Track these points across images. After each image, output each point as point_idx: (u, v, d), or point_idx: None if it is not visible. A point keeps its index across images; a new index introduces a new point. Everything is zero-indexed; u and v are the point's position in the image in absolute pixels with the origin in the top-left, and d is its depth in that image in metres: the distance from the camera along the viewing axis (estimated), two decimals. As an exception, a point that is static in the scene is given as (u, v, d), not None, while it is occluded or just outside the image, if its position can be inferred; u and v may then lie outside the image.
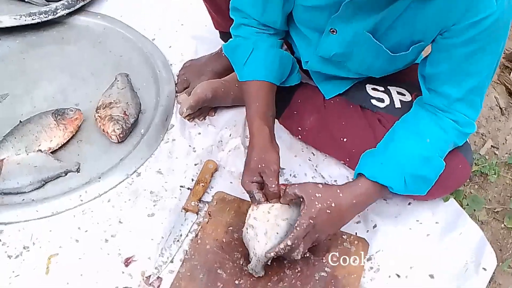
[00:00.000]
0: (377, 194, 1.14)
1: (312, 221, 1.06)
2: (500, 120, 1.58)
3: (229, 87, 1.45)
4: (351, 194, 1.10)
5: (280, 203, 1.12)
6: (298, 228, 1.06)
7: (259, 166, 1.15)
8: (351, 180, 1.33)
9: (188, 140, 1.43)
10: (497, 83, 1.67)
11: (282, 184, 1.16)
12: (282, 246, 1.06)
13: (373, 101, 1.30)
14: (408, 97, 1.29)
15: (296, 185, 1.10)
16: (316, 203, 1.06)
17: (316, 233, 1.08)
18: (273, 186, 1.13)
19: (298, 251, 1.07)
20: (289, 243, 1.05)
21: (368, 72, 1.26)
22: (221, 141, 1.43)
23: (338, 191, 1.09)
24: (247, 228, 1.12)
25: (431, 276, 1.17)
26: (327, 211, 1.07)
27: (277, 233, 1.09)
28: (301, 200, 1.08)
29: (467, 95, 1.09)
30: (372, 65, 1.20)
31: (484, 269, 1.17)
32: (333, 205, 1.07)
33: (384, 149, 1.15)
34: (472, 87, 1.09)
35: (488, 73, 1.08)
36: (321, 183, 1.10)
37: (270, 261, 1.10)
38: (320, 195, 1.07)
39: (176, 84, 1.56)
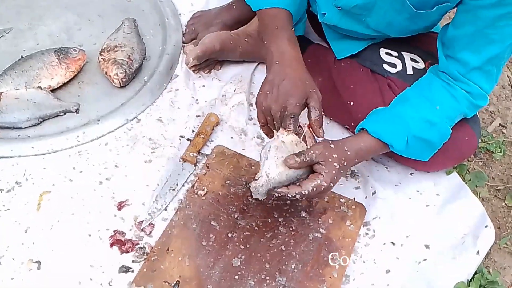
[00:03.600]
0: (379, 151, 1.12)
1: (332, 183, 1.04)
2: (510, 100, 1.54)
3: (238, 40, 1.41)
4: (355, 150, 1.08)
5: (295, 166, 1.03)
6: (316, 186, 1.02)
7: (308, 90, 1.08)
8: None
9: (191, 91, 1.40)
10: (510, 62, 1.64)
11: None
12: (296, 191, 1.02)
13: (385, 66, 1.27)
14: (421, 65, 1.26)
15: (312, 150, 1.04)
16: (335, 164, 1.04)
17: (327, 189, 1.05)
18: (317, 113, 1.08)
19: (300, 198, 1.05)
20: (305, 192, 1.01)
21: (387, 29, 1.21)
22: (225, 95, 1.40)
23: (346, 149, 1.07)
24: (270, 146, 1.04)
25: (427, 246, 1.15)
26: (341, 170, 1.05)
27: (303, 175, 1.04)
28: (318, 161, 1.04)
29: (486, 64, 1.06)
30: (392, 21, 1.16)
31: (481, 243, 1.15)
32: (344, 164, 1.06)
33: (390, 110, 1.12)
34: (492, 56, 1.05)
35: (511, 43, 1.04)
36: (330, 141, 1.06)
37: (276, 189, 1.04)
38: (336, 155, 1.04)
39: (183, 34, 1.52)
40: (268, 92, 1.09)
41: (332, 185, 1.04)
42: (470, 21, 1.03)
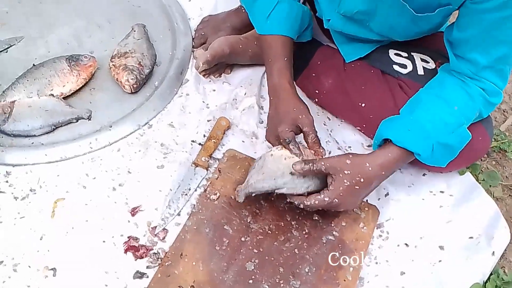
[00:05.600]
0: (404, 161, 1.11)
1: (337, 200, 1.05)
2: (523, 98, 1.53)
3: (247, 44, 1.41)
4: (380, 165, 1.06)
5: (300, 172, 1.07)
6: (319, 200, 1.05)
7: (300, 117, 1.15)
8: (366, 147, 1.31)
9: (202, 96, 1.40)
10: (523, 60, 1.62)
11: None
12: (300, 201, 1.08)
13: (395, 67, 1.26)
14: (432, 65, 1.25)
15: (323, 161, 1.06)
16: (345, 181, 1.04)
17: (338, 206, 1.07)
18: (312, 135, 1.13)
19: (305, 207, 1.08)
20: (311, 206, 1.06)
21: (391, 33, 1.21)
22: (236, 99, 1.40)
23: (367, 164, 1.05)
24: (260, 158, 1.13)
25: (441, 248, 1.15)
26: (356, 187, 1.05)
27: (275, 179, 1.08)
28: (329, 173, 1.06)
29: (496, 63, 1.05)
30: (395, 25, 1.16)
31: (496, 244, 1.14)
32: (362, 180, 1.05)
33: (409, 115, 1.10)
34: (501, 56, 1.04)
35: None
36: (349, 155, 1.06)
37: (253, 194, 1.11)
38: (349, 172, 1.04)
39: (193, 38, 1.53)
40: (266, 127, 1.23)
41: (337, 201, 1.05)
42: (475, 24, 1.02)
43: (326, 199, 1.05)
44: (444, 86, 1.11)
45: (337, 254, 1.12)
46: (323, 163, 1.05)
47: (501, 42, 1.03)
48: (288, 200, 1.11)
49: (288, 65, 1.21)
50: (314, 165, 1.05)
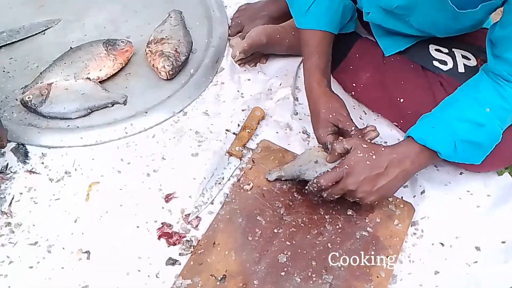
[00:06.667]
0: (426, 159, 1.08)
1: (347, 167, 1.04)
2: None
3: (284, 33, 1.40)
4: (394, 151, 1.06)
5: (327, 161, 1.11)
6: (332, 170, 1.06)
7: (330, 116, 1.14)
8: (402, 142, 1.29)
9: (237, 85, 1.39)
10: None
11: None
12: (311, 178, 1.08)
13: (435, 63, 1.24)
14: (473, 62, 1.22)
15: (344, 140, 1.08)
16: (359, 152, 1.05)
17: (351, 183, 1.04)
18: (353, 129, 1.12)
19: (327, 192, 1.07)
20: (322, 181, 1.05)
21: (431, 29, 1.19)
22: (271, 89, 1.39)
23: (383, 149, 1.07)
24: (301, 154, 1.18)
25: (477, 248, 1.12)
26: (367, 162, 1.04)
27: (301, 166, 1.13)
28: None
29: None
30: (435, 21, 1.14)
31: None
32: (374, 157, 1.04)
33: (438, 113, 1.09)
34: None
35: None
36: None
37: (282, 178, 1.17)
38: (365, 146, 1.06)
39: (229, 27, 1.52)
40: None
41: (347, 169, 1.04)
42: None
43: (339, 166, 1.05)
44: (478, 88, 1.07)
45: (370, 250, 1.10)
46: (345, 142, 1.07)
47: None
48: (306, 188, 1.10)
49: (319, 63, 1.20)
50: (336, 144, 1.08)
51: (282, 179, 1.17)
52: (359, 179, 1.04)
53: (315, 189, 1.07)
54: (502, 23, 1.02)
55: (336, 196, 1.07)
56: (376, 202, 1.10)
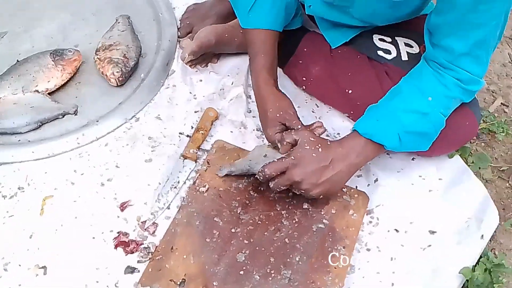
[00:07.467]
0: (372, 152, 1.11)
1: (293, 158, 1.06)
2: (512, 78, 1.53)
3: (233, 32, 1.40)
4: (340, 145, 1.09)
5: (280, 152, 1.11)
6: (278, 160, 1.07)
7: (278, 115, 1.15)
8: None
9: (189, 87, 1.39)
10: (511, 39, 1.61)
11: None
12: (259, 168, 1.09)
13: (380, 52, 1.25)
14: (416, 49, 1.24)
15: (293, 131, 1.10)
16: (306, 144, 1.07)
17: (297, 174, 1.05)
18: (299, 127, 1.13)
19: (274, 182, 1.08)
20: (266, 170, 1.06)
21: (372, 18, 1.21)
22: (223, 89, 1.39)
23: (329, 143, 1.09)
24: (252, 150, 1.18)
25: (431, 232, 1.15)
26: (313, 154, 1.06)
27: (250, 160, 1.15)
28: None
29: (473, 49, 1.02)
30: (375, 10, 1.16)
31: (485, 227, 1.15)
32: (320, 150, 1.06)
33: (383, 105, 1.11)
34: (478, 40, 1.01)
35: (497, 22, 1.00)
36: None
37: (232, 173, 1.19)
38: (313, 139, 1.08)
39: (178, 28, 1.51)
40: None
41: (293, 160, 1.05)
42: (451, 8, 0.99)
43: (286, 156, 1.07)
44: (420, 77, 1.09)
45: (327, 242, 1.12)
46: (294, 133, 1.09)
47: (477, 26, 0.99)
48: (256, 177, 1.12)
49: (265, 62, 1.20)
50: (285, 135, 1.09)
51: (232, 174, 1.19)
52: (305, 170, 1.05)
53: (261, 178, 1.08)
54: (437, 10, 1.04)
55: (282, 187, 1.08)
56: (321, 196, 1.10)
